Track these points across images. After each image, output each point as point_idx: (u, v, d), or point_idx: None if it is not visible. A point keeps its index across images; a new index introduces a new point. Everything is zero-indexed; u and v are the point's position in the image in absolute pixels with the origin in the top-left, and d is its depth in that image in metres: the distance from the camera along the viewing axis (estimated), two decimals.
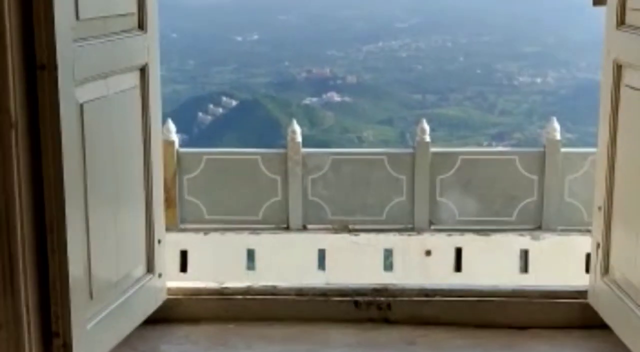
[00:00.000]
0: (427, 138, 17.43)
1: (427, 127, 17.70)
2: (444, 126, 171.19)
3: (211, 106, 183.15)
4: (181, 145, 15.97)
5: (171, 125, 16.06)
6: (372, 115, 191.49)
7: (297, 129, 17.74)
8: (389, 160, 16.92)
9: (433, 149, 17.07)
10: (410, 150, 17.45)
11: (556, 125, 17.61)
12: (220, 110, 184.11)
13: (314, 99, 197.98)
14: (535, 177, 15.69)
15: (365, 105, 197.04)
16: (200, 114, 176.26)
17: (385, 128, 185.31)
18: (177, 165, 15.67)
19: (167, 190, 14.40)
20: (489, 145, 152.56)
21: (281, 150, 17.41)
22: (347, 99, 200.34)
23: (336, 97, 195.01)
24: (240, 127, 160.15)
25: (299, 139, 17.71)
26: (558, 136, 17.16)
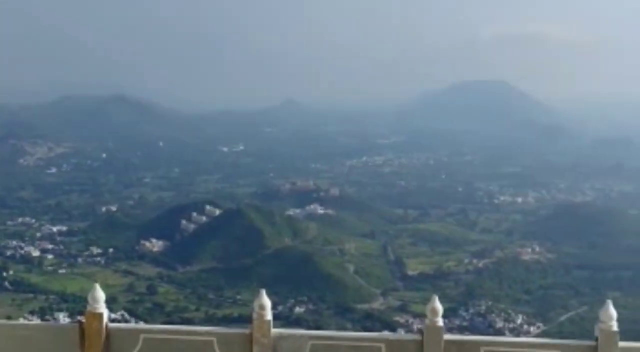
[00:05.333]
0: (440, 321, 14.08)
1: (439, 306, 14.48)
2: (425, 241, 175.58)
3: (195, 214, 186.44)
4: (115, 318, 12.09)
5: (99, 293, 12.46)
6: (355, 228, 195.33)
7: (267, 302, 14.14)
8: (388, 349, 13.89)
9: (447, 337, 13.96)
10: (417, 336, 14.16)
11: (612, 311, 14.46)
12: (204, 218, 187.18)
13: (298, 210, 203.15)
14: None
15: (348, 218, 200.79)
16: (183, 221, 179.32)
17: (367, 241, 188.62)
18: (106, 346, 12.26)
19: None
20: (470, 262, 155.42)
21: (245, 331, 13.87)
22: (330, 211, 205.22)
23: (319, 209, 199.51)
24: (224, 236, 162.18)
25: (269, 316, 13.78)
26: (615, 326, 14.25)
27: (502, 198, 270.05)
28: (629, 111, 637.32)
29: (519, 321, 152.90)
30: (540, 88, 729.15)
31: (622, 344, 13.68)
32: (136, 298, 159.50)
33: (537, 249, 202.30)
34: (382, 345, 13.96)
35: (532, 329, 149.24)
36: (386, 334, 16.18)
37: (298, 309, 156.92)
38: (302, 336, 14.73)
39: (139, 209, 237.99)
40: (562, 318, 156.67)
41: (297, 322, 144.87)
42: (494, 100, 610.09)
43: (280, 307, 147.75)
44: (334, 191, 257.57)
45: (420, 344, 13.76)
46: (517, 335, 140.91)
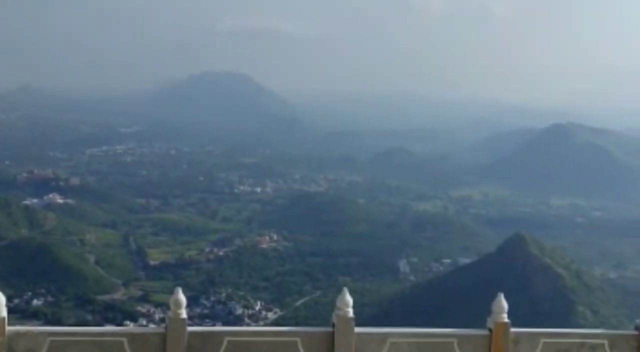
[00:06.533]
0: (183, 313, 14.27)
1: (183, 298, 14.50)
2: (167, 231, 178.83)
3: None
4: None
5: None
6: (96, 218, 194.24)
7: (1, 299, 13.80)
8: (131, 343, 14.04)
9: (191, 329, 14.14)
10: (160, 329, 14.21)
11: (348, 298, 14.54)
12: None
13: (35, 200, 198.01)
14: None
15: (88, 208, 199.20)
16: None
17: (108, 231, 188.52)
18: None
19: None
20: (211, 251, 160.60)
21: None
22: (70, 200, 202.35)
23: (58, 199, 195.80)
24: None
25: (4, 313, 13.06)
26: (351, 313, 14.38)
27: (241, 188, 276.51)
28: (358, 106, 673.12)
29: (257, 307, 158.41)
30: (276, 81, 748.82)
31: (357, 329, 14.13)
32: None
33: (275, 237, 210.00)
34: (124, 339, 13.84)
35: (269, 314, 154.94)
36: (130, 327, 15.98)
37: (36, 302, 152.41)
38: (40, 333, 14.23)
39: None
40: (298, 303, 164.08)
41: (35, 316, 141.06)
42: (232, 92, 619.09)
43: (16, 300, 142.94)
44: (74, 180, 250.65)
45: (163, 337, 13.77)
46: (256, 321, 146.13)
